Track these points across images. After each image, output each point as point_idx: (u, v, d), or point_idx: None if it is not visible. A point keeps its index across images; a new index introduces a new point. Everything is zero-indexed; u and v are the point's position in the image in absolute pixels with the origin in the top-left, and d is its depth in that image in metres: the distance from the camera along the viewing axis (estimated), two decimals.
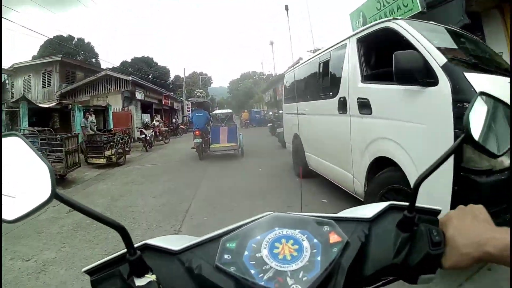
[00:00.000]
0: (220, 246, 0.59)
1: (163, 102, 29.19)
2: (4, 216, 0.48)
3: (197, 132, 10.35)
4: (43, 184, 0.50)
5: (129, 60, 51.32)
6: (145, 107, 25.39)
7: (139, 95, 22.21)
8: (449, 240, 0.56)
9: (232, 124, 11.43)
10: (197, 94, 48.22)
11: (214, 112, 12.82)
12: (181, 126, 26.97)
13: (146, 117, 25.64)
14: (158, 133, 17.65)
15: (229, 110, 12.80)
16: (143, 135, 14.85)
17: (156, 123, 18.35)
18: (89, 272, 0.60)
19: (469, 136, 0.59)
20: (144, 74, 48.65)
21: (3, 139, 0.51)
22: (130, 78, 20.49)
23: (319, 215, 0.65)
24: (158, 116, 22.46)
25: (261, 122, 31.31)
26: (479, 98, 0.64)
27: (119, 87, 20.97)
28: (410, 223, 0.60)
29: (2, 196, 0.48)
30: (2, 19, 10.31)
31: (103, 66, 31.10)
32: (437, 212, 0.64)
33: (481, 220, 0.56)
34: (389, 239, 0.61)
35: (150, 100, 25.53)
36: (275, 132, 17.57)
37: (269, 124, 18.34)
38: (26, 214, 0.49)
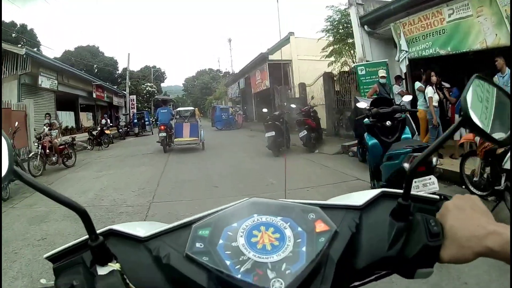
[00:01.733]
0: (192, 233, 0.54)
1: (94, 95, 21.10)
2: None
3: (162, 127, 11.36)
4: (1, 160, 0.45)
5: (72, 50, 42.55)
6: (67, 103, 17.61)
7: (46, 82, 14.28)
8: (448, 231, 0.52)
9: (194, 120, 12.20)
10: (147, 88, 40.71)
11: (177, 109, 13.51)
12: (107, 131, 16.23)
13: (68, 118, 17.78)
14: (49, 151, 9.02)
15: (192, 108, 14.09)
16: None
17: (46, 130, 9.63)
18: (52, 258, 0.57)
19: (467, 118, 0.54)
20: (87, 65, 40.13)
21: None
22: (24, 51, 12.42)
23: (303, 202, 0.60)
24: (51, 116, 12.13)
25: (230, 124, 23.63)
26: (475, 80, 0.61)
27: (15, 69, 12.96)
28: (405, 212, 0.56)
29: None
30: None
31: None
32: (434, 201, 0.61)
33: (479, 211, 0.53)
34: (383, 229, 0.56)
35: (71, 91, 17.66)
36: (278, 149, 9.04)
37: (268, 134, 9.07)
38: None
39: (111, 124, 20.35)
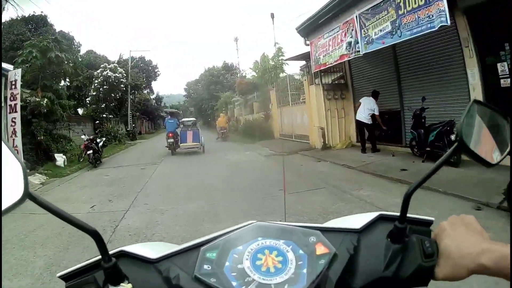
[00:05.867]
0: (200, 255, 0.57)
1: None
2: None
3: (170, 134, 13.27)
4: (15, 183, 0.46)
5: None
6: None
7: None
8: (443, 251, 0.55)
9: (196, 128, 14.21)
10: (105, 72, 21.16)
11: (182, 120, 15.76)
12: None
13: None
14: None
15: (194, 119, 16.73)
16: None
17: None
18: (64, 277, 0.59)
19: (462, 144, 0.58)
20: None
21: None
22: None
23: (304, 225, 0.63)
24: None
25: None
26: (473, 105, 0.63)
27: None
28: (401, 234, 0.59)
29: None
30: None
31: None
32: (430, 222, 0.64)
33: (473, 231, 0.56)
34: (379, 250, 0.59)
35: None
36: None
37: None
38: None
39: None
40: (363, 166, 7.46)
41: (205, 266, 0.55)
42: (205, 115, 40.29)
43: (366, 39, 8.27)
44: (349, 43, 8.98)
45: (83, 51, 29.10)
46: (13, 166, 0.47)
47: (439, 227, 0.59)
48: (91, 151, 10.68)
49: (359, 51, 8.52)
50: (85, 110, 22.86)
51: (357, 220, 0.65)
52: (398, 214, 0.59)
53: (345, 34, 9.14)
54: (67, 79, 22.10)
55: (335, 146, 10.77)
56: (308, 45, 11.25)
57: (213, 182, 7.00)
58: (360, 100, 9.30)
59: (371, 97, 9.01)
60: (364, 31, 8.31)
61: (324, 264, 0.54)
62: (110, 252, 0.55)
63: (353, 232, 0.62)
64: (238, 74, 31.33)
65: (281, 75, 15.99)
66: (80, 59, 25.60)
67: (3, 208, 0.44)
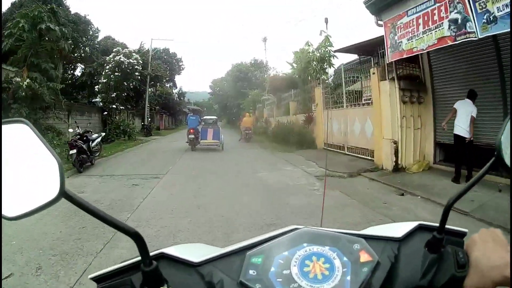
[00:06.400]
0: (246, 260, 0.56)
1: None
2: (4, 212, 0.42)
3: (191, 130, 13.54)
4: (51, 180, 0.43)
5: None
6: None
7: None
8: (473, 262, 0.56)
9: (216, 127, 14.42)
10: (117, 58, 18.62)
11: (204, 117, 15.86)
12: None
13: None
14: None
15: (215, 117, 16.33)
16: None
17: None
18: (97, 279, 0.56)
19: (499, 159, 0.58)
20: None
21: (8, 126, 0.44)
22: None
23: (346, 232, 0.63)
24: None
25: None
26: (509, 121, 0.62)
27: None
28: (439, 244, 0.59)
29: (3, 190, 0.41)
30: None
31: None
32: (464, 234, 0.64)
33: (500, 244, 0.57)
34: (418, 260, 0.59)
35: None
36: None
37: None
38: (30, 212, 0.43)
39: None
40: (478, 210, 4.54)
41: (251, 272, 0.53)
42: (230, 114, 38.05)
43: (484, 16, 5.19)
44: (454, 21, 5.86)
45: (101, 37, 26.87)
46: (49, 162, 0.44)
47: (470, 239, 0.60)
48: (74, 151, 7.79)
49: (473, 32, 5.45)
50: (100, 98, 20.50)
51: (396, 229, 0.65)
52: (437, 224, 0.60)
53: (445, 9, 6.05)
54: (82, 65, 19.85)
55: (409, 168, 7.64)
56: (380, 25, 8.09)
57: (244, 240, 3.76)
58: (454, 106, 6.33)
59: (467, 99, 6.28)
60: (479, 4, 5.25)
61: (367, 272, 0.54)
62: (150, 254, 0.53)
63: (394, 241, 0.61)
64: (266, 74, 28.55)
65: (327, 70, 12.81)
66: (97, 45, 23.32)
67: (36, 206, 0.42)
